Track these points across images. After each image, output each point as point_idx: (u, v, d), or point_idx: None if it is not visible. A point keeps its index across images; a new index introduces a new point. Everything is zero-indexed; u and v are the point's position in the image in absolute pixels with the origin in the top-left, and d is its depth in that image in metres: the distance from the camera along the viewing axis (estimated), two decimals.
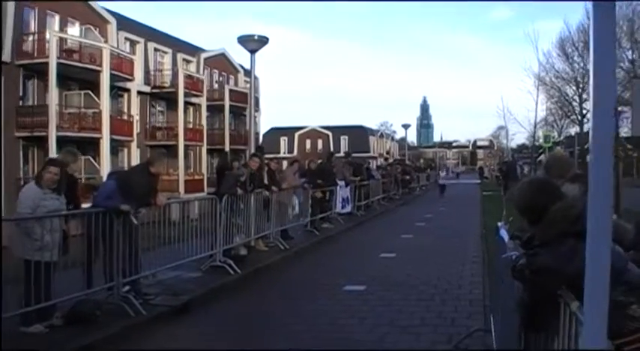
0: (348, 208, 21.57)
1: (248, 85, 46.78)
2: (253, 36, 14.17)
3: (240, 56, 47.51)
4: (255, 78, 39.95)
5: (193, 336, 7.85)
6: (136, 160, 37.45)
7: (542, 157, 55.26)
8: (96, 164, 33.20)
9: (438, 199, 36.11)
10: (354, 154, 33.82)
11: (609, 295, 3.06)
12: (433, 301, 9.46)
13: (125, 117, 37.68)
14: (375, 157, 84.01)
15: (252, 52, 14.40)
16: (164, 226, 10.27)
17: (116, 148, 36.18)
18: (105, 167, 32.75)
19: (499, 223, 6.48)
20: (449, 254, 14.18)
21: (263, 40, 14.30)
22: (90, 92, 33.37)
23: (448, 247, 15.49)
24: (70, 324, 7.41)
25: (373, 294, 10.13)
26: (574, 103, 65.60)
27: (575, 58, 62.75)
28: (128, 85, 37.61)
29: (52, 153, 28.08)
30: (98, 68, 33.07)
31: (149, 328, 7.94)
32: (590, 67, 1.78)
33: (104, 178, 31.06)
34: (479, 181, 64.14)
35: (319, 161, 20.78)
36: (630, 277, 3.21)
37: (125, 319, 7.94)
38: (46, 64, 30.32)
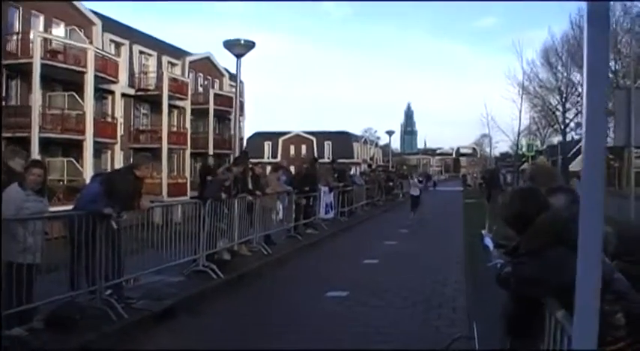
0: (332, 214, 21.56)
1: (233, 90, 46.81)
2: (239, 40, 14.12)
3: (225, 60, 47.61)
4: (240, 82, 40.04)
5: (175, 341, 7.81)
6: (119, 163, 37.31)
7: (525, 165, 55.64)
8: (79, 166, 33.07)
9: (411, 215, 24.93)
10: (338, 160, 33.94)
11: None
12: (416, 308, 9.47)
13: (109, 119, 37.55)
14: (358, 163, 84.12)
15: (239, 56, 14.36)
16: (147, 229, 10.20)
17: (99, 150, 36.06)
18: (88, 169, 32.64)
19: (483, 232, 6.49)
20: (432, 261, 14.21)
21: (249, 45, 14.26)
22: (74, 94, 33.25)
23: (431, 253, 15.51)
24: (50, 327, 7.32)
25: (356, 300, 10.11)
26: (557, 113, 66.32)
27: (559, 67, 63.53)
28: (112, 87, 37.52)
29: (35, 154, 27.89)
30: (82, 70, 32.98)
31: (131, 332, 7.88)
32: (584, 83, 1.79)
33: (87, 181, 30.94)
34: (461, 189, 64.32)
35: (305, 166, 20.88)
36: (618, 287, 3.23)
37: (107, 323, 7.86)
38: (30, 64, 30.17)
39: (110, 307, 8.15)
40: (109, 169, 35.97)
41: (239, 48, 14.20)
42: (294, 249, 15.91)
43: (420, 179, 32.47)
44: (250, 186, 14.32)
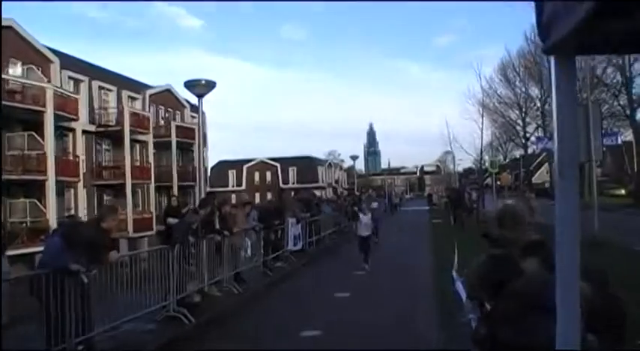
0: (300, 245, 21.49)
1: (195, 121, 46.76)
2: (200, 81, 14.08)
3: (186, 92, 47.47)
4: (203, 113, 39.90)
5: None
6: (83, 201, 36.98)
7: (488, 180, 56.18)
8: (41, 207, 32.62)
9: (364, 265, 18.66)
10: (304, 185, 34.03)
11: None
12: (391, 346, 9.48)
13: (70, 157, 37.12)
14: (324, 187, 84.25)
15: (200, 96, 14.35)
16: (115, 273, 10.08)
17: (62, 189, 35.57)
18: (51, 209, 32.31)
19: (453, 273, 6.51)
20: (403, 292, 14.21)
21: (210, 85, 14.23)
22: (33, 133, 32.82)
23: (402, 284, 15.52)
24: None
25: (330, 340, 10.11)
26: (517, 127, 67.47)
27: (517, 83, 64.76)
28: (73, 124, 37.15)
29: None
30: (42, 109, 32.65)
31: None
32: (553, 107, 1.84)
33: (50, 221, 30.57)
34: (427, 208, 64.56)
35: (272, 200, 20.92)
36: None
37: None
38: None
39: None
40: (72, 209, 35.63)
41: (200, 88, 14.17)
42: (264, 285, 15.85)
43: (375, 206, 28.22)
44: (218, 225, 14.25)
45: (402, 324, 10.98)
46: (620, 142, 53.71)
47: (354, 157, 51.21)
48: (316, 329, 10.76)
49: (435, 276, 14.75)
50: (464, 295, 5.17)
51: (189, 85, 14.14)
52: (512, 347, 3.30)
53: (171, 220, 14.14)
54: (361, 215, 20.48)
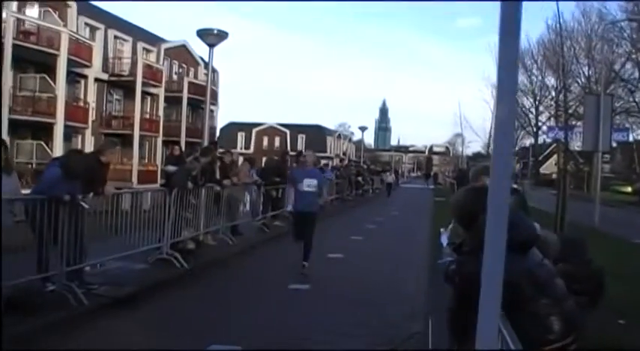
0: None
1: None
2: (213, 30, 14.10)
3: (201, 48, 47.38)
4: (215, 71, 39.85)
5: (133, 330, 7.77)
6: (89, 148, 36.98)
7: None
8: (48, 150, 32.75)
9: None
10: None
11: (533, 307, 3.20)
12: (376, 304, 9.53)
13: (81, 103, 37.18)
14: (331, 158, 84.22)
15: (211, 46, 14.34)
16: (113, 215, 10.19)
17: (70, 134, 35.69)
18: (57, 153, 32.29)
19: (441, 229, 6.54)
20: (396, 258, 14.31)
21: (222, 35, 14.24)
22: (46, 76, 32.89)
23: (396, 250, 15.62)
24: (7, 311, 7.26)
25: (318, 294, 10.19)
26: (530, 116, 67.15)
27: (534, 71, 64.29)
28: (86, 71, 37.17)
29: (4, 136, 27.54)
30: (56, 52, 32.62)
31: (90, 318, 7.84)
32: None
33: None
34: (432, 187, 64.44)
35: (275, 158, 20.90)
36: (555, 292, 3.30)
37: (66, 309, 7.83)
38: (1, 44, 29.69)
39: (70, 292, 8.11)
40: None
41: (212, 38, 14.19)
42: (260, 240, 15.95)
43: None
44: (218, 176, 14.30)
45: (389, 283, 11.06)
46: (631, 139, 53.17)
47: (362, 128, 51.11)
48: (306, 284, 10.83)
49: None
50: (445, 243, 5.22)
51: (201, 33, 14.14)
52: (476, 279, 3.31)
53: (171, 168, 14.17)
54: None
